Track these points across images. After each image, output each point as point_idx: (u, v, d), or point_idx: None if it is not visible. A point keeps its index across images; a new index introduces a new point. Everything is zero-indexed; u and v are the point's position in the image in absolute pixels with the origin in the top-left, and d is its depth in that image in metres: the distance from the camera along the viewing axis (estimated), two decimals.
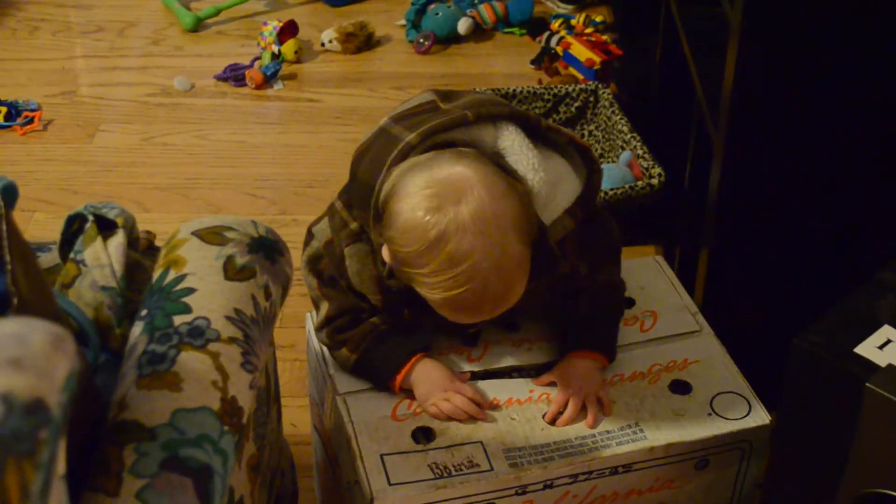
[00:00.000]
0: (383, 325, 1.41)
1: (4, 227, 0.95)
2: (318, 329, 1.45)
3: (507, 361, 1.46)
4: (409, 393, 1.41)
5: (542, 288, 1.37)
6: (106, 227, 1.32)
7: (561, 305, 1.47)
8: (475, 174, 1.24)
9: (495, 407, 1.40)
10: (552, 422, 1.38)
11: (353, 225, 1.37)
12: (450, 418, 1.37)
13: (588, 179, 1.36)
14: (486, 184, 1.24)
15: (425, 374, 1.39)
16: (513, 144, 1.32)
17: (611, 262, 1.48)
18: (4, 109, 2.82)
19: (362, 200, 1.32)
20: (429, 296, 1.27)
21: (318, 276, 1.43)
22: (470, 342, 1.48)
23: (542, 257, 1.30)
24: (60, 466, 0.76)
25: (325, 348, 1.46)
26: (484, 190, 1.23)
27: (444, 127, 1.31)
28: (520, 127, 1.34)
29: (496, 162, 1.30)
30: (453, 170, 1.25)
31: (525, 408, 1.40)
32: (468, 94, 1.41)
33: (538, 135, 1.36)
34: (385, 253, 1.31)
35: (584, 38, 2.95)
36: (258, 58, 3.07)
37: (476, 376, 1.44)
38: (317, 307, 1.46)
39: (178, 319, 1.15)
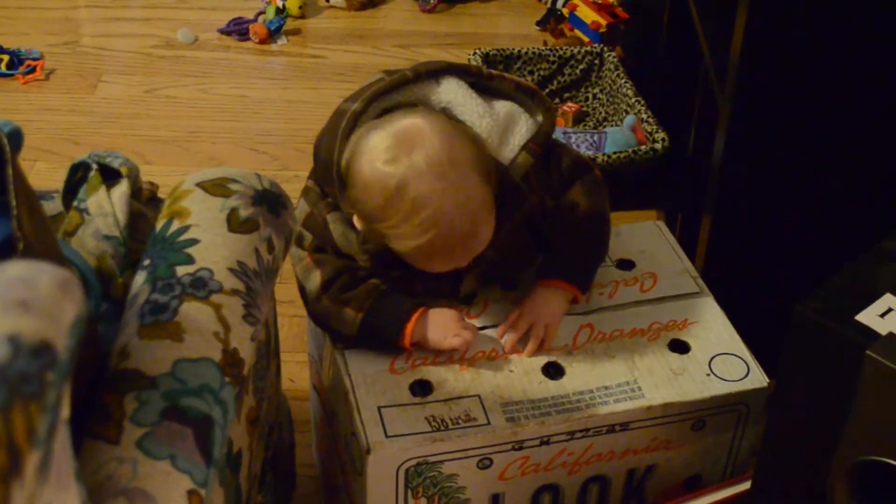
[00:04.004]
0: (383, 286, 1.41)
1: (10, 172, 0.94)
2: (317, 298, 1.41)
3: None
4: (415, 349, 1.41)
5: (520, 227, 1.40)
6: (110, 176, 1.32)
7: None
8: (426, 122, 1.30)
9: (494, 358, 1.41)
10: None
11: (330, 198, 1.39)
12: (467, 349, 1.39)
13: (543, 117, 1.41)
14: (438, 130, 1.29)
15: (435, 318, 1.40)
16: (456, 96, 1.38)
17: (581, 190, 1.46)
18: (7, 58, 2.81)
19: (327, 178, 1.35)
20: (401, 248, 1.32)
21: (305, 248, 1.43)
22: (466, 302, 1.48)
23: (510, 194, 1.35)
24: (65, 411, 0.76)
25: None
26: (436, 136, 1.28)
27: (384, 89, 1.35)
28: (462, 79, 1.39)
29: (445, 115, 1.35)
30: (404, 122, 1.30)
31: (523, 359, 1.41)
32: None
33: (483, 85, 1.41)
34: (356, 220, 1.35)
35: (591, 0, 2.94)
36: (262, 12, 3.05)
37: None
38: (307, 280, 1.42)
39: (181, 270, 1.15)
